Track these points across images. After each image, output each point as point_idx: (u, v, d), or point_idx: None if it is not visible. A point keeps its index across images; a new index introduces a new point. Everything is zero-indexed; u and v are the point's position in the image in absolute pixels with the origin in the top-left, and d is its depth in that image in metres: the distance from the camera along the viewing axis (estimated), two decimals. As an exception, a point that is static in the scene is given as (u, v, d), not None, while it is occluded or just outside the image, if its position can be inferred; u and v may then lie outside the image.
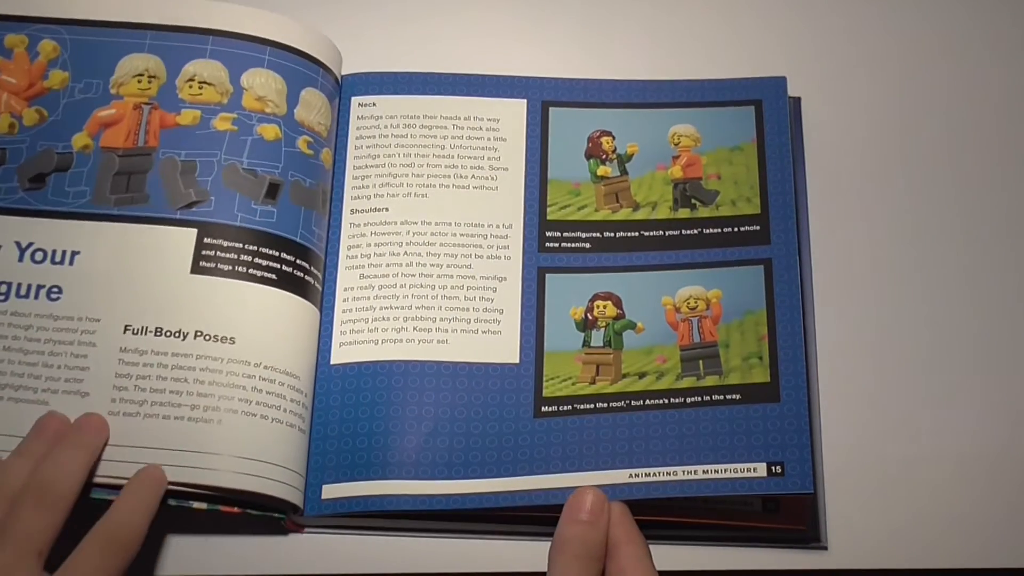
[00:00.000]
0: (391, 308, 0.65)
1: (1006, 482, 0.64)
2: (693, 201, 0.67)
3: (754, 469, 0.60)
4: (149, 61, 0.67)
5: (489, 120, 0.69)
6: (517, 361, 0.64)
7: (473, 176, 0.68)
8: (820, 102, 0.72)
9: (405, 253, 0.66)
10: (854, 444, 0.65)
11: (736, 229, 0.66)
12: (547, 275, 0.66)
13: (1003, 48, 0.75)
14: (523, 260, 0.66)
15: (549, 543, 0.58)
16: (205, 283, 0.62)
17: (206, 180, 0.64)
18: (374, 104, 0.69)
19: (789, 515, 0.62)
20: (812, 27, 0.75)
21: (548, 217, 0.67)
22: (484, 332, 0.65)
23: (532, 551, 0.62)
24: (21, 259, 0.63)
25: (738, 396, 0.62)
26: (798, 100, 0.71)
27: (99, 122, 0.66)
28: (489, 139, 0.69)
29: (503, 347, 0.64)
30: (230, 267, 0.63)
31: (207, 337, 0.61)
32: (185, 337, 0.61)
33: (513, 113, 0.69)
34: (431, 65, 0.70)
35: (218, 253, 0.63)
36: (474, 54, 0.72)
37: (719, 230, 0.67)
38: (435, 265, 0.66)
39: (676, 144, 0.69)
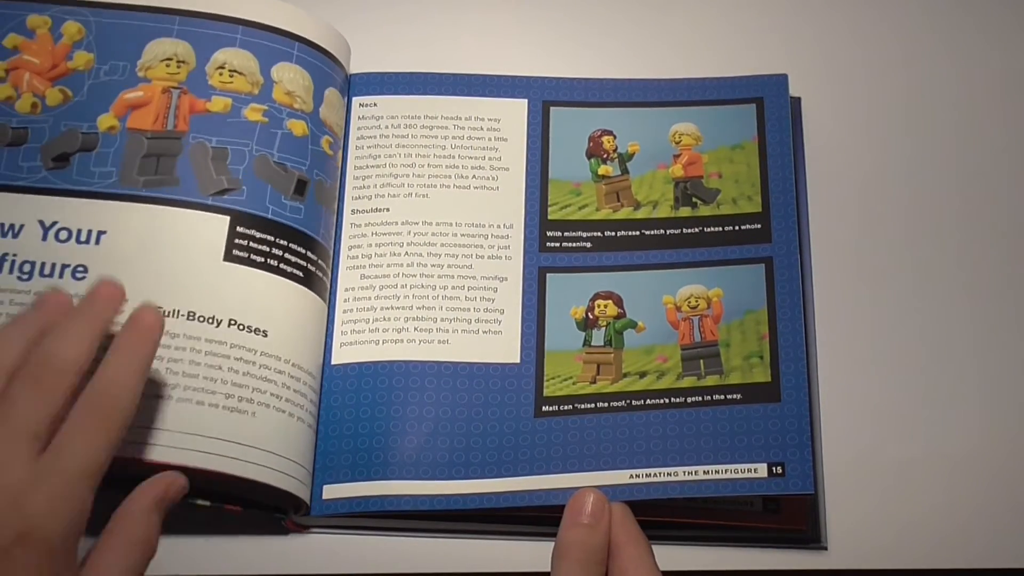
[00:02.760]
0: (392, 308, 0.65)
1: (1006, 482, 0.64)
2: (694, 200, 0.67)
3: (755, 470, 0.60)
4: (178, 46, 0.66)
5: (490, 120, 0.69)
6: (518, 361, 0.64)
7: (474, 176, 0.68)
8: (820, 102, 0.72)
9: (406, 253, 0.66)
10: (854, 444, 0.65)
11: (737, 227, 0.66)
12: (548, 275, 0.66)
13: (1003, 47, 0.75)
14: (524, 260, 0.66)
15: (550, 543, 0.58)
16: (239, 272, 0.62)
17: (238, 169, 0.64)
18: (375, 104, 0.69)
19: (790, 515, 0.62)
20: (812, 27, 0.75)
21: (549, 217, 0.67)
22: (485, 332, 0.65)
23: (532, 551, 0.62)
24: (45, 238, 0.62)
25: (739, 396, 0.62)
26: (798, 100, 0.71)
27: (126, 104, 0.65)
28: (490, 139, 0.69)
29: (504, 347, 0.64)
30: (263, 259, 0.63)
31: (241, 327, 0.61)
32: (219, 324, 0.61)
33: (514, 113, 0.69)
34: (432, 65, 0.70)
35: (251, 244, 0.63)
36: (475, 54, 0.72)
37: (720, 229, 0.66)
38: (436, 265, 0.66)
39: (677, 143, 0.69)
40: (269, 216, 0.63)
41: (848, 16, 0.76)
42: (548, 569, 0.58)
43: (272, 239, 0.63)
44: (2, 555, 0.48)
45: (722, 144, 0.68)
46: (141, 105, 0.65)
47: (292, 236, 0.64)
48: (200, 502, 0.59)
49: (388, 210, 0.67)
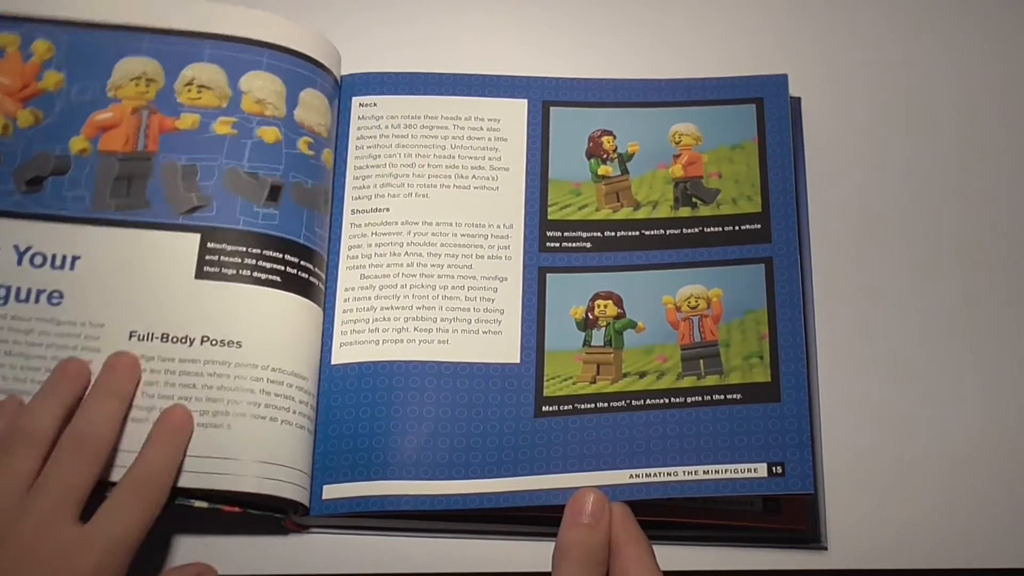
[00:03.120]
0: (392, 308, 0.65)
1: (1006, 482, 0.64)
2: (694, 200, 0.67)
3: (755, 470, 0.60)
4: (147, 64, 0.66)
5: (490, 120, 0.69)
6: (518, 361, 0.64)
7: (474, 176, 0.68)
8: (820, 102, 0.72)
9: (406, 253, 0.66)
10: (854, 444, 0.65)
11: (737, 228, 0.66)
12: (548, 275, 0.66)
13: (1004, 47, 0.75)
14: (524, 260, 0.66)
15: (550, 543, 0.58)
16: (210, 288, 0.62)
17: (207, 185, 0.64)
18: (375, 104, 0.69)
19: (790, 515, 0.62)
20: (812, 27, 0.75)
21: (549, 217, 0.67)
22: (485, 332, 0.65)
23: (532, 551, 0.62)
24: (20, 262, 0.62)
25: (739, 396, 0.62)
26: (798, 100, 0.71)
27: (97, 125, 0.65)
28: (490, 139, 0.69)
29: (504, 347, 0.64)
30: (234, 271, 0.63)
31: (214, 342, 0.61)
32: (192, 343, 0.61)
33: (514, 113, 0.69)
34: (431, 65, 0.70)
35: (222, 258, 0.63)
36: (474, 54, 0.72)
37: (720, 229, 0.66)
38: (436, 265, 0.66)
39: (677, 143, 0.69)
40: (240, 227, 0.64)
41: (848, 16, 0.75)
42: (548, 569, 0.58)
43: (244, 249, 0.63)
44: None
45: (722, 144, 0.68)
46: (111, 126, 0.65)
47: (266, 243, 0.64)
48: (198, 504, 0.59)
49: (388, 210, 0.67)
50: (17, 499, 0.55)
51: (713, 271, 0.65)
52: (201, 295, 0.62)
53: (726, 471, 0.60)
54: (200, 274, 0.62)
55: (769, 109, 0.69)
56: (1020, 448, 0.65)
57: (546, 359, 0.64)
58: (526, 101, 0.70)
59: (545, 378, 0.64)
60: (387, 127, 0.69)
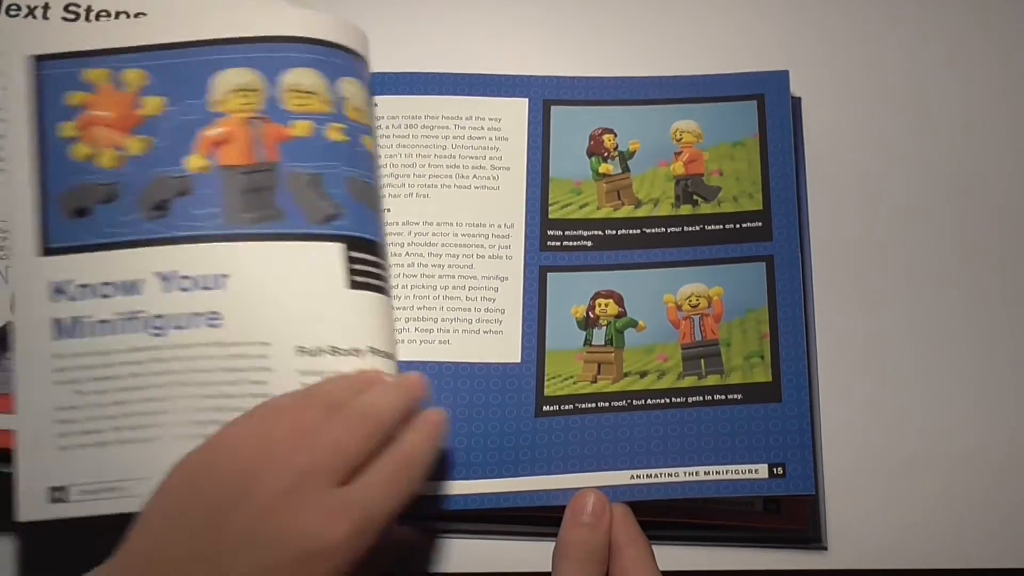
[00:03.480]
0: (393, 309, 0.65)
1: (1006, 482, 0.64)
2: (695, 197, 0.67)
3: (756, 470, 0.60)
4: (245, 75, 0.64)
5: (491, 119, 0.69)
6: (518, 360, 0.64)
7: (475, 176, 0.68)
8: (820, 102, 0.72)
9: (407, 254, 0.66)
10: (854, 444, 0.65)
11: (738, 225, 0.66)
12: (549, 274, 0.66)
13: (1004, 47, 0.74)
14: (524, 259, 0.66)
15: (550, 543, 0.58)
16: (364, 298, 0.62)
17: (336, 192, 0.63)
18: (376, 104, 0.69)
19: (790, 515, 0.62)
20: (812, 27, 0.75)
21: (550, 216, 0.67)
22: (486, 332, 0.65)
23: (533, 551, 0.62)
24: (167, 290, 0.60)
25: (739, 396, 0.62)
26: (798, 100, 0.71)
27: (211, 141, 0.63)
28: (491, 138, 0.69)
29: (505, 346, 0.64)
30: (380, 282, 0.63)
31: (380, 354, 0.61)
32: (361, 354, 0.60)
33: (515, 112, 0.69)
34: (432, 65, 0.70)
35: (367, 268, 0.62)
36: (475, 53, 0.72)
37: (721, 227, 0.66)
38: (436, 266, 0.66)
39: (678, 140, 0.69)
40: (376, 238, 0.63)
41: (848, 16, 0.75)
42: (548, 569, 0.58)
43: (381, 260, 0.63)
44: (297, 566, 0.50)
45: (723, 141, 0.68)
46: (225, 141, 0.63)
47: (380, 251, 0.64)
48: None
49: (389, 210, 0.67)
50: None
51: (714, 269, 0.65)
52: (356, 305, 0.61)
53: (727, 472, 0.60)
54: (351, 284, 0.61)
55: (770, 106, 0.68)
56: (1020, 448, 0.65)
57: (547, 359, 0.64)
58: (527, 100, 0.69)
59: (546, 378, 0.64)
60: (388, 127, 0.69)
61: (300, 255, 0.61)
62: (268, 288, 0.61)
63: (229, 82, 0.64)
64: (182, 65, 0.65)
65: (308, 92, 0.64)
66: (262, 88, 0.64)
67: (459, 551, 0.63)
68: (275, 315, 0.60)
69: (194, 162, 0.63)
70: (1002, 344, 0.67)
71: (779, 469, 0.60)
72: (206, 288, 0.60)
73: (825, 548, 0.63)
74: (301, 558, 0.50)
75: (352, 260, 0.62)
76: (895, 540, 0.63)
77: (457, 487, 0.61)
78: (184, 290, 0.60)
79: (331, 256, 0.62)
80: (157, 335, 0.60)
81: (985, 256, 0.69)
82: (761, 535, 0.62)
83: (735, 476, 0.60)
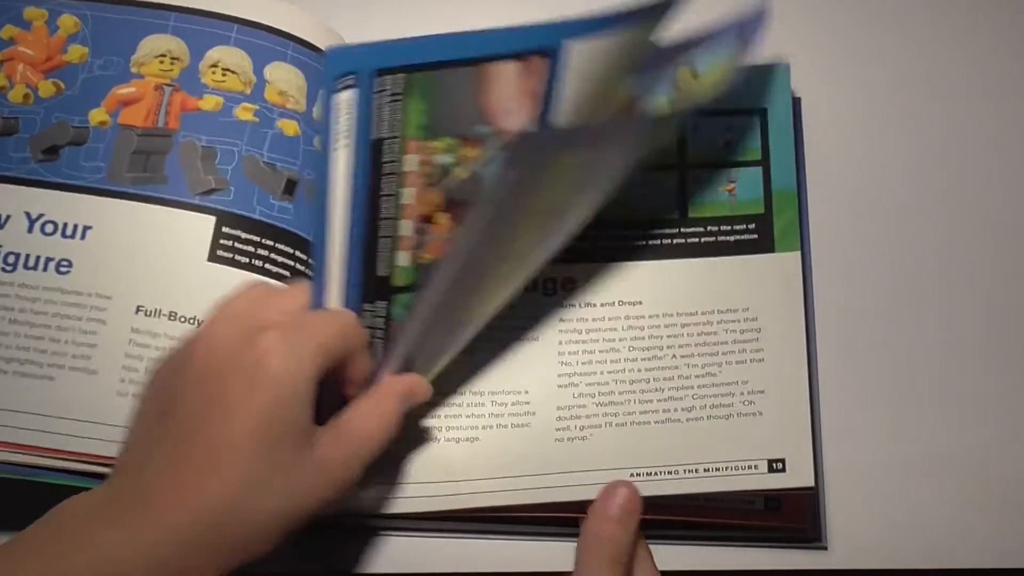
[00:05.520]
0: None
1: (1006, 482, 0.64)
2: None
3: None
4: (172, 43, 0.66)
5: None
6: None
7: None
8: (820, 102, 0.72)
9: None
10: (854, 443, 0.65)
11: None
12: None
13: (1005, 46, 0.75)
14: None
15: (551, 543, 0.58)
16: (222, 272, 0.62)
17: (226, 169, 0.64)
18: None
19: (791, 514, 0.62)
20: (812, 26, 0.75)
21: None
22: None
23: (533, 551, 0.62)
24: (30, 230, 0.62)
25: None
26: (798, 100, 0.71)
27: (118, 99, 0.65)
28: None
29: None
30: (247, 259, 0.63)
31: None
32: (199, 324, 0.61)
33: None
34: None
35: (236, 244, 0.63)
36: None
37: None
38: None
39: None
40: (256, 216, 0.64)
41: (848, 16, 0.75)
42: (550, 569, 0.58)
43: (258, 239, 0.63)
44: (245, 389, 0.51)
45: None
46: (133, 101, 0.65)
47: (279, 236, 0.64)
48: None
49: None
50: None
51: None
52: (212, 278, 0.62)
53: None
54: (213, 257, 0.62)
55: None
56: (1020, 448, 0.65)
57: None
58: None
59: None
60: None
61: (171, 221, 0.63)
62: (128, 247, 0.62)
63: (155, 47, 0.66)
64: (119, 22, 0.67)
65: (227, 70, 0.66)
66: (184, 58, 0.66)
67: (459, 551, 0.62)
68: (126, 273, 0.62)
69: (97, 116, 0.65)
70: (1002, 342, 0.67)
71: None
72: (66, 236, 0.62)
73: (825, 548, 0.62)
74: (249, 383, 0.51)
75: (222, 235, 0.63)
76: (895, 540, 0.63)
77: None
78: (47, 234, 0.62)
79: (200, 227, 0.63)
80: (6, 270, 0.61)
81: (985, 255, 0.69)
82: (762, 534, 0.62)
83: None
